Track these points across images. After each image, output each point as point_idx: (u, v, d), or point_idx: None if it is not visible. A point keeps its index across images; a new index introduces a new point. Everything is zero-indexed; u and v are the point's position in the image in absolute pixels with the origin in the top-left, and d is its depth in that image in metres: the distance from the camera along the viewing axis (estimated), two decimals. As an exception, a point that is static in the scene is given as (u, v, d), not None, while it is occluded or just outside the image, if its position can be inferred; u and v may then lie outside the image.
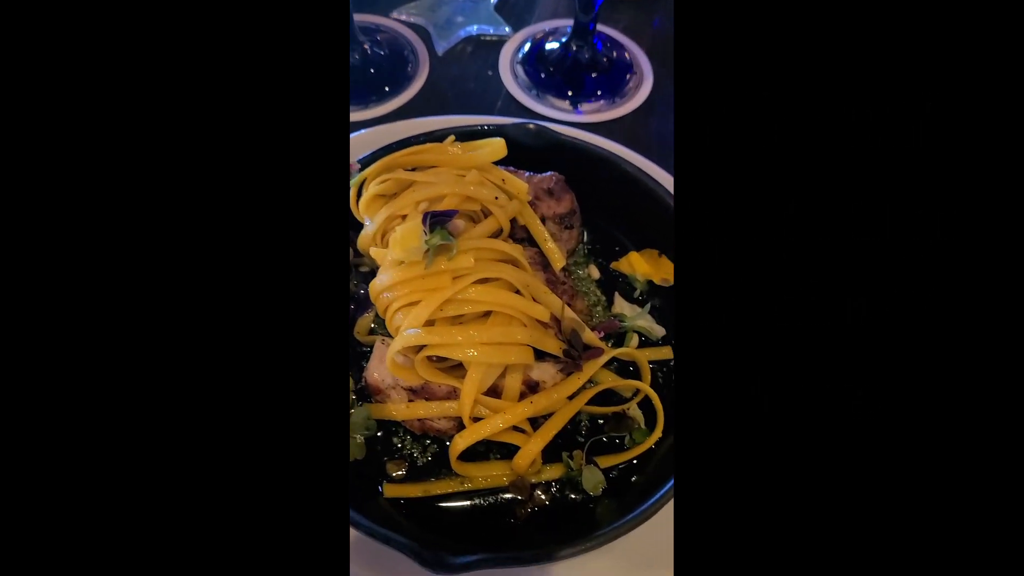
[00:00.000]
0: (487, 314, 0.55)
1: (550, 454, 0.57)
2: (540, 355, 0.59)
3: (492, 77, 0.95)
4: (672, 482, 0.49)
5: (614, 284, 0.69)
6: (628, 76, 0.98)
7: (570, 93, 0.96)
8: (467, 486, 0.56)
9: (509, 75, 0.96)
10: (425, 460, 0.58)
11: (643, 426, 0.59)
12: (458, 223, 0.56)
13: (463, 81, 0.94)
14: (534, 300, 0.57)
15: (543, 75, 0.97)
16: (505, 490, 0.56)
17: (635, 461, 0.57)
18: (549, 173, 0.68)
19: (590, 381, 0.60)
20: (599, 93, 0.96)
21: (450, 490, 0.55)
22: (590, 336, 0.60)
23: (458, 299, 0.53)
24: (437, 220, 0.53)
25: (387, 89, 0.92)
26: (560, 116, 0.92)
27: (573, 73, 0.96)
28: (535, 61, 0.99)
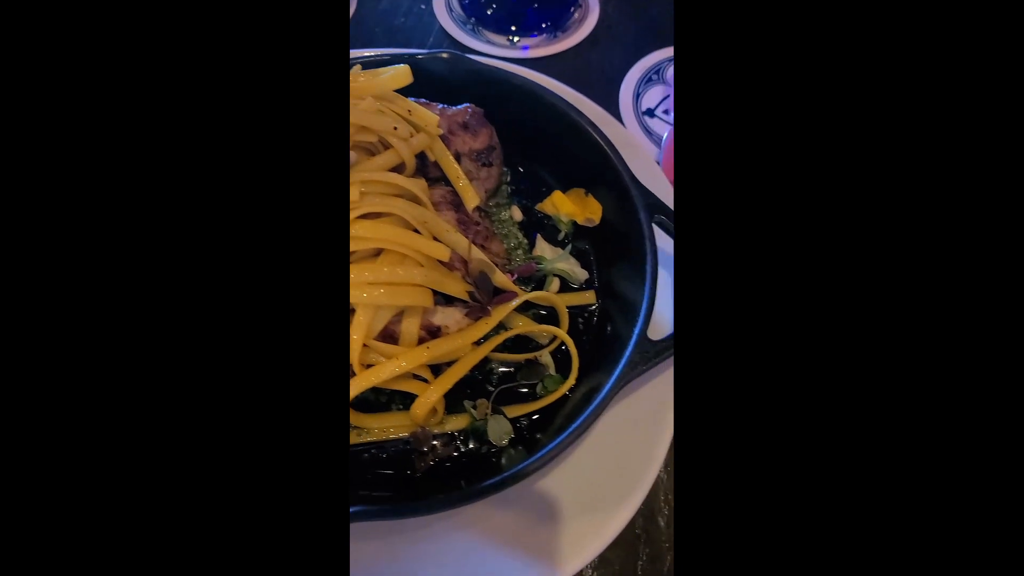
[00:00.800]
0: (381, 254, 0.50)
1: (459, 404, 0.54)
2: (449, 300, 0.55)
3: (425, 11, 0.89)
4: (573, 427, 0.46)
5: (539, 226, 0.65)
6: (572, 9, 0.92)
7: (513, 28, 0.90)
8: (364, 438, 0.52)
9: (443, 8, 0.89)
10: (322, 412, 0.54)
11: (554, 373, 0.55)
12: (347, 154, 0.51)
13: (392, 16, 0.88)
14: (436, 240, 0.53)
15: (482, 8, 0.91)
16: (406, 442, 0.52)
17: (536, 416, 0.54)
18: (464, 105, 0.63)
19: (501, 327, 0.56)
20: (544, 26, 0.90)
21: (344, 443, 0.52)
22: (501, 279, 0.56)
23: (341, 236, 0.48)
24: (317, 149, 0.48)
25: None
26: (499, 52, 0.86)
27: (513, 5, 0.90)
28: (472, -7, 0.92)
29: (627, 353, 0.48)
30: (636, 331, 0.50)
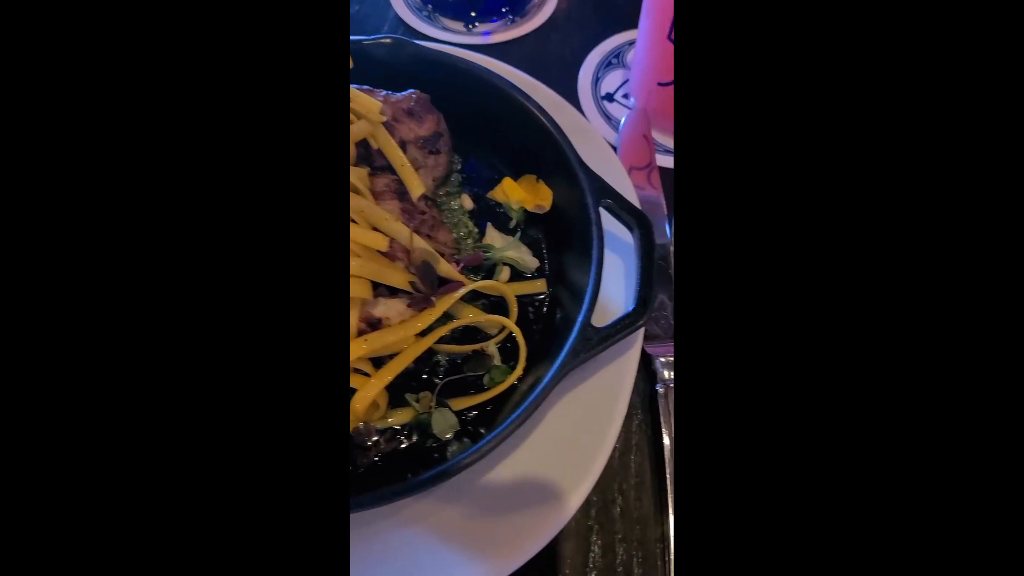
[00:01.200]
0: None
1: (404, 398, 0.52)
2: (395, 292, 0.54)
3: (379, -2, 0.87)
4: (510, 420, 0.44)
5: (490, 214, 0.63)
6: (531, -7, 0.90)
7: (473, 14, 0.89)
8: (306, 435, 0.51)
9: (398, -5, 0.88)
10: (263, 409, 0.52)
11: (500, 363, 0.54)
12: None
13: (346, 2, 0.86)
14: (375, 230, 0.51)
15: (438, -6, 0.89)
16: (348, 438, 0.51)
17: (485, 408, 0.52)
18: (409, 91, 0.61)
19: (448, 317, 0.55)
20: (503, 11, 0.88)
21: (284, 440, 0.50)
22: (446, 268, 0.55)
23: (270, 227, 0.46)
24: (242, 138, 0.46)
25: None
26: (456, 39, 0.84)
27: (469, -10, 0.88)
28: (428, -21, 0.90)
29: (569, 342, 0.47)
30: (579, 319, 0.48)
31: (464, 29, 0.86)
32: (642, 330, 0.55)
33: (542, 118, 0.59)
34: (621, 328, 0.48)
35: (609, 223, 0.56)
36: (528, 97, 0.60)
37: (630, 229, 0.54)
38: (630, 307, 0.50)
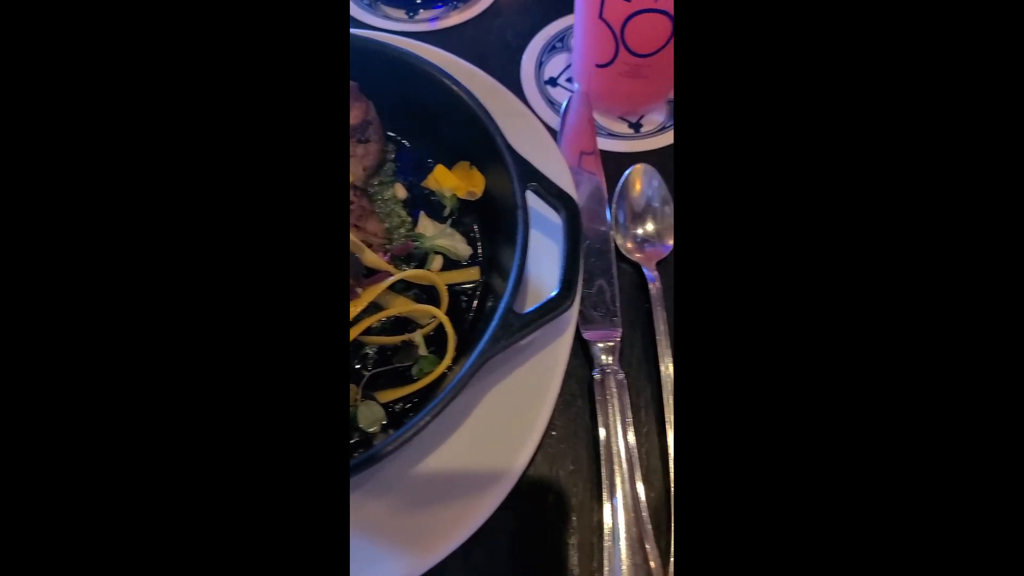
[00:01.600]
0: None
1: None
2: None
3: (319, -13, 0.85)
4: (431, 406, 0.43)
5: (425, 203, 0.62)
6: (474, -22, 0.88)
7: (418, 1, 0.87)
8: (228, 433, 0.50)
9: (338, -17, 0.86)
10: (185, 408, 0.51)
11: (426, 353, 0.53)
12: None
13: (284, -8, 0.84)
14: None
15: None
16: (274, 435, 0.50)
17: (416, 400, 0.52)
18: (334, 79, 0.60)
19: (376, 308, 0.54)
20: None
21: (205, 439, 0.49)
22: (372, 259, 0.54)
23: (176, 220, 0.45)
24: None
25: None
26: (397, 27, 0.83)
27: (410, -23, 0.87)
28: (367, -34, 0.88)
29: (490, 329, 0.46)
30: (501, 305, 0.47)
31: (405, 17, 0.84)
32: (575, 315, 0.54)
33: (471, 103, 0.58)
34: (544, 312, 0.47)
35: (549, 209, 0.55)
36: (457, 82, 0.59)
37: (557, 211, 0.53)
38: (555, 291, 0.49)
